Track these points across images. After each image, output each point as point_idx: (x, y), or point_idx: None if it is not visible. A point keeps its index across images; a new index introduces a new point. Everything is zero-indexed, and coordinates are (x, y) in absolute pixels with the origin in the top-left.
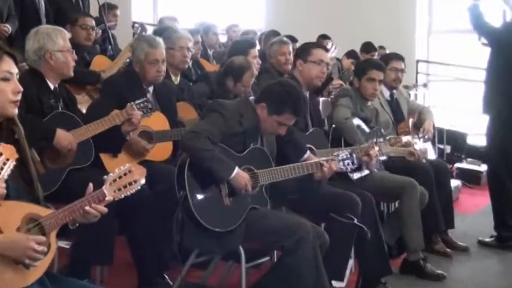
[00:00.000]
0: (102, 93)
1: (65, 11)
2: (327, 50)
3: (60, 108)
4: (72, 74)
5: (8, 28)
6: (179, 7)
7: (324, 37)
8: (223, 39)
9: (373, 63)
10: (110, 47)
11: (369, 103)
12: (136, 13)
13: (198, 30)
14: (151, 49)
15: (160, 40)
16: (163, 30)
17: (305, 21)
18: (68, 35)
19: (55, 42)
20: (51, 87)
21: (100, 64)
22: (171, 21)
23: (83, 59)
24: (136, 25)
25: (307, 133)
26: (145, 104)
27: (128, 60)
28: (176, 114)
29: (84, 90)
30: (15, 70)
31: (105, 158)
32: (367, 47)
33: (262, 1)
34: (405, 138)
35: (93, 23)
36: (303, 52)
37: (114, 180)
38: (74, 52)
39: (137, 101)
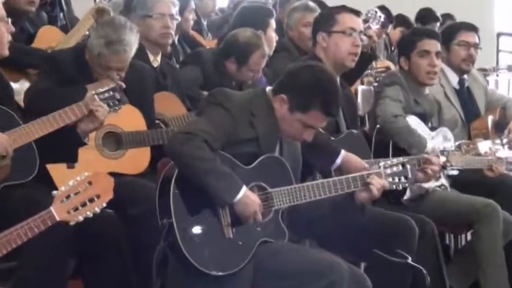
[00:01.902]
0: (41, 73)
1: None
2: (357, 13)
3: None
4: (7, 52)
5: None
6: None
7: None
8: (221, 3)
9: (422, 30)
10: (61, 14)
11: (427, 91)
12: None
13: None
14: (110, 53)
15: (131, 41)
16: None
17: None
18: None
19: None
20: None
21: (48, 38)
22: None
23: (23, 30)
24: None
25: (339, 137)
26: (112, 93)
27: (87, 32)
28: (152, 109)
29: (25, 75)
30: None
31: (54, 170)
32: (425, 14)
33: None
34: (482, 144)
35: None
36: (325, 21)
37: (68, 197)
38: (9, 22)
39: (101, 89)
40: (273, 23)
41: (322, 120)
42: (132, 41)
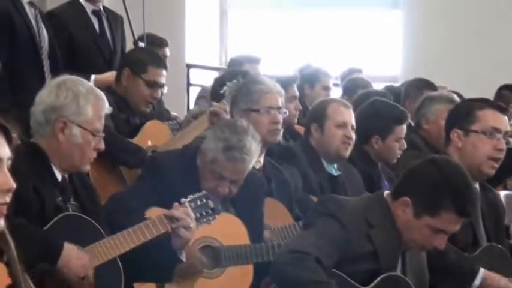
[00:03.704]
0: (140, 178)
1: (86, 50)
2: (503, 110)
3: (70, 210)
4: (87, 168)
5: None
6: (261, 42)
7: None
8: (334, 92)
9: None
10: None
11: None
12: (192, 52)
13: (294, 78)
14: (226, 160)
15: (252, 150)
16: (234, 76)
17: (479, 65)
18: (108, 110)
19: (80, 109)
20: (58, 177)
21: (154, 134)
22: (251, 63)
23: (128, 122)
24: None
25: (476, 253)
26: (205, 201)
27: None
28: (262, 222)
29: (112, 173)
30: (5, 153)
31: None
32: None
33: (398, 29)
34: None
35: (164, 78)
36: (462, 116)
37: None
38: (102, 139)
39: (191, 197)
40: (399, 131)
41: (456, 223)
42: (253, 149)
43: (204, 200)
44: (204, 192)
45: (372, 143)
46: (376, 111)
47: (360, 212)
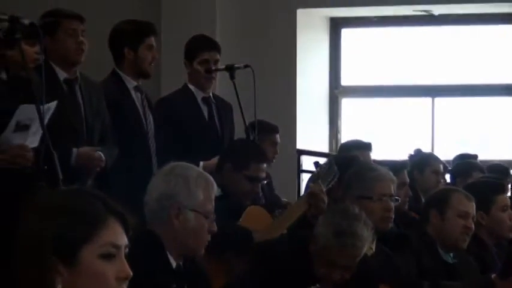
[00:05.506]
0: (251, 267)
1: (194, 137)
2: None
3: None
4: (202, 252)
5: (102, 158)
6: (372, 128)
7: None
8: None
9: None
10: (260, 193)
11: None
12: (303, 138)
13: (404, 164)
14: (337, 246)
15: (364, 236)
16: (347, 162)
17: None
18: (217, 192)
19: (191, 194)
20: (173, 264)
21: (255, 219)
22: (361, 150)
23: (227, 212)
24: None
25: None
26: None
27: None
28: None
29: (222, 258)
30: (123, 241)
31: None
32: None
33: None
34: None
35: (265, 172)
36: None
37: None
38: (214, 221)
39: None
40: (501, 199)
41: None
42: (365, 236)
43: None
44: (317, 285)
45: (478, 221)
46: (474, 189)
47: None
